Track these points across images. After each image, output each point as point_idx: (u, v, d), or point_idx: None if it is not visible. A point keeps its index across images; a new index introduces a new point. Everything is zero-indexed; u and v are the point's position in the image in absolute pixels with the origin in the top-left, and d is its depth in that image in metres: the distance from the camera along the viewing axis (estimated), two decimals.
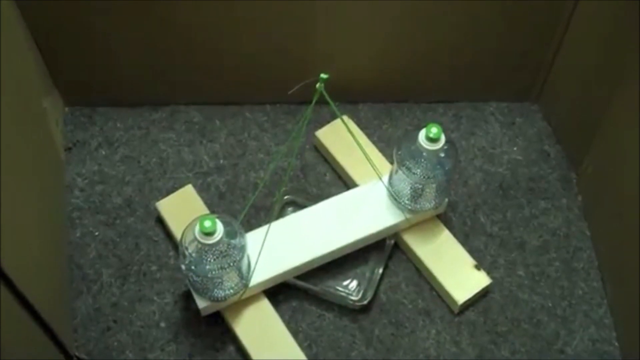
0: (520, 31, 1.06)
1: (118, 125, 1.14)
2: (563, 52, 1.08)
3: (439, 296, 0.99)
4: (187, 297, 0.97)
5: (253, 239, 0.91)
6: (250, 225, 1.01)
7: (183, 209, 1.02)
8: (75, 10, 0.99)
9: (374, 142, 1.09)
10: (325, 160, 1.11)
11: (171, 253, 1.02)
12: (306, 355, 0.92)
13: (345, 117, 1.05)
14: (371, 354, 0.95)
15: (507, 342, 0.96)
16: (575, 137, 1.10)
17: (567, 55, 1.08)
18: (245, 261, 0.89)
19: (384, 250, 1.01)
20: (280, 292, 0.98)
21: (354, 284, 1.00)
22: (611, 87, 0.96)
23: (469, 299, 0.97)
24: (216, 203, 1.06)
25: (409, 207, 0.98)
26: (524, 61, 1.12)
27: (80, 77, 1.11)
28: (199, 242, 0.83)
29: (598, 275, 1.02)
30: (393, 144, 1.09)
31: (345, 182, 1.09)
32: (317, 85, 0.81)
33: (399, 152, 0.93)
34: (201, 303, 0.91)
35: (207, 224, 0.81)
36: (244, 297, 0.93)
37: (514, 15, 1.03)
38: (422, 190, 0.95)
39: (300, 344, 0.93)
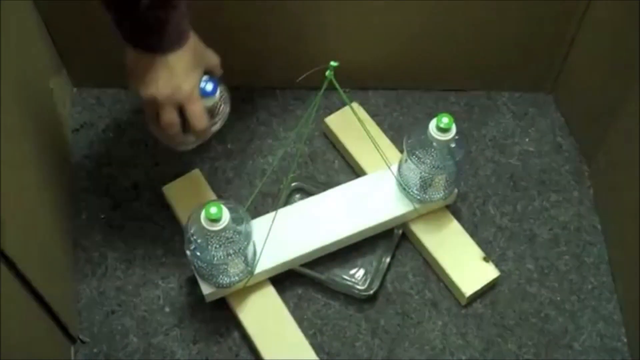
0: (535, 21, 1.04)
1: (126, 107, 1.13)
2: (578, 43, 1.06)
3: (447, 287, 0.98)
4: (192, 283, 0.96)
5: (259, 226, 0.90)
6: (257, 212, 1.00)
7: (190, 194, 1.01)
8: None
9: (384, 130, 1.08)
10: (334, 147, 1.10)
11: (177, 237, 1.01)
12: (311, 343, 0.92)
13: (355, 105, 1.04)
14: (376, 344, 0.94)
15: (514, 335, 0.95)
16: (589, 130, 1.09)
17: (583, 47, 1.06)
18: (251, 248, 0.89)
19: (391, 239, 1.00)
20: (285, 279, 0.97)
21: (361, 273, 0.99)
22: (626, 80, 0.95)
23: (477, 291, 0.96)
24: (223, 188, 1.05)
25: (418, 198, 0.97)
26: (539, 51, 1.10)
27: (89, 58, 1.10)
28: (204, 228, 0.82)
29: (608, 270, 1.01)
30: (403, 132, 1.08)
31: (354, 170, 1.08)
32: (327, 72, 0.80)
33: (409, 141, 0.92)
34: (206, 289, 0.91)
35: (213, 210, 0.80)
36: (249, 284, 0.92)
37: (528, 5, 1.01)
38: (432, 180, 0.94)
39: (305, 332, 0.92)
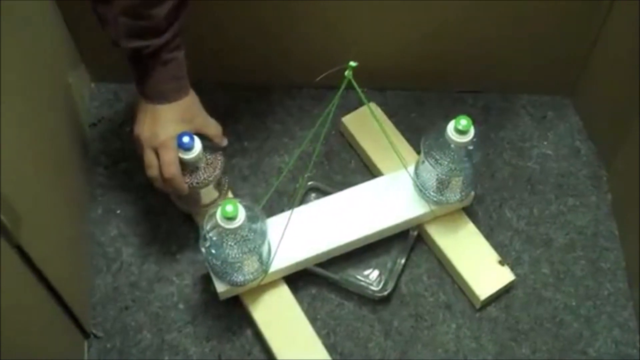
0: (556, 23, 1.03)
1: None
2: (599, 47, 1.05)
3: (461, 290, 0.98)
4: (207, 280, 0.96)
5: (275, 225, 0.90)
6: (272, 211, 1.00)
7: None
8: None
9: (400, 131, 1.08)
10: (351, 146, 1.10)
11: (192, 234, 1.01)
12: (324, 343, 0.91)
13: (372, 105, 1.03)
14: (389, 345, 0.94)
15: (528, 340, 0.95)
16: (608, 134, 1.08)
17: (603, 50, 1.05)
18: (265, 247, 0.89)
19: (406, 241, 0.99)
20: (300, 278, 0.97)
21: (375, 274, 0.98)
22: None
23: (492, 295, 0.96)
24: (239, 186, 1.05)
25: (434, 199, 0.96)
26: (558, 54, 1.09)
27: (107, 53, 1.09)
28: (220, 226, 0.82)
29: (624, 277, 1.00)
30: (420, 133, 1.07)
31: (370, 170, 1.07)
32: (346, 72, 0.79)
33: (426, 142, 0.92)
34: (220, 287, 0.91)
35: (229, 208, 0.80)
36: (263, 282, 0.92)
37: (548, 8, 1.01)
38: (448, 182, 0.93)
39: (318, 332, 0.92)
